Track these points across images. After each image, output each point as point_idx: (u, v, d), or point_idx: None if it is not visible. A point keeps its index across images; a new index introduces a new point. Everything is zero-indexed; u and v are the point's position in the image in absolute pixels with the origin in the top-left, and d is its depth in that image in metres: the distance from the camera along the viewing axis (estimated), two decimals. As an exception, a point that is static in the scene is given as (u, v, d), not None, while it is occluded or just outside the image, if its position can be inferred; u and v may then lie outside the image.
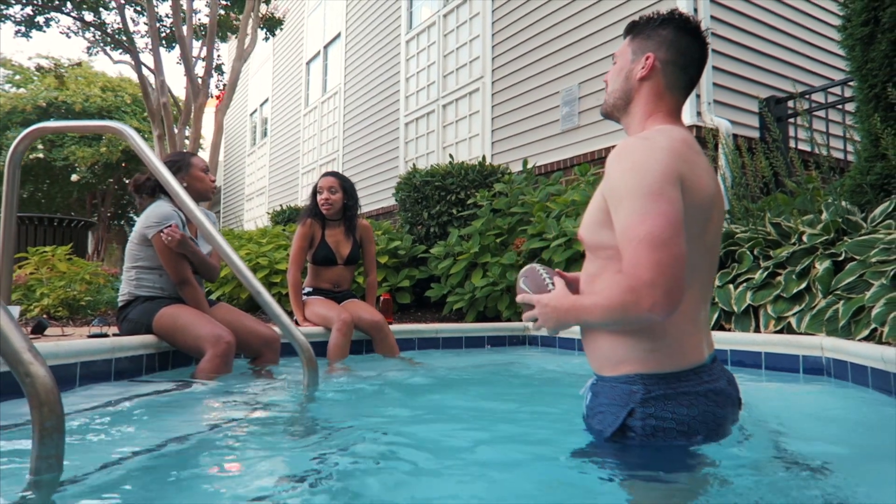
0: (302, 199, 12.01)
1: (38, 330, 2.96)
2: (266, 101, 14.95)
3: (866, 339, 2.45)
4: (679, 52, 1.41)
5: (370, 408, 2.19)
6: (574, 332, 1.57)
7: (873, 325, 2.40)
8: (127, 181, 18.47)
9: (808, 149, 4.96)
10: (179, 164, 2.97)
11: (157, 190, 2.95)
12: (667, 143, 1.29)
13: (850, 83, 4.52)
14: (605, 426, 1.35)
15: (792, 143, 4.92)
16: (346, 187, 3.68)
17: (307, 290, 3.70)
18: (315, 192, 3.69)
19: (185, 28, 8.60)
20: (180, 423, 1.91)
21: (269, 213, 9.24)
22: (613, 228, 1.27)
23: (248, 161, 15.81)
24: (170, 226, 2.72)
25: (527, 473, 1.36)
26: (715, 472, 1.26)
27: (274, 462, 1.51)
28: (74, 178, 16.22)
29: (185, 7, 8.73)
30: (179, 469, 1.42)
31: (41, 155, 16.27)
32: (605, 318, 1.27)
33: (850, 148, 4.89)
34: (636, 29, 1.49)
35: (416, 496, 1.23)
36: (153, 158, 2.41)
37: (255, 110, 15.75)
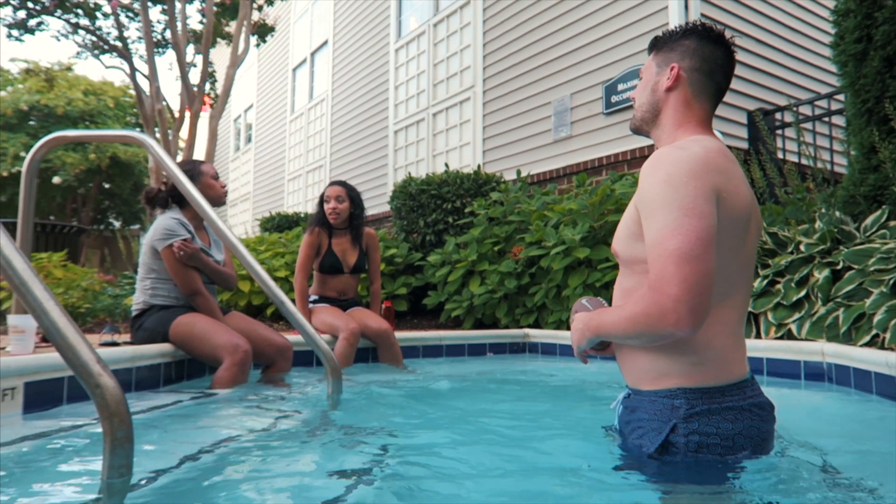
0: (288, 205, 11.97)
1: (48, 339, 2.94)
2: (251, 106, 14.89)
3: (867, 345, 2.55)
4: (703, 59, 1.41)
5: (392, 416, 2.22)
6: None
7: (874, 332, 2.50)
8: (107, 186, 18.26)
9: (794, 160, 5.11)
10: (191, 172, 2.98)
11: (169, 201, 2.96)
12: (703, 153, 1.27)
13: (837, 96, 4.68)
14: (645, 442, 1.33)
15: (779, 155, 5.06)
16: (352, 196, 3.71)
17: (313, 297, 3.72)
18: (322, 201, 3.71)
19: (180, 34, 8.56)
20: (209, 434, 1.91)
21: (258, 220, 9.21)
22: None
23: (232, 167, 15.72)
24: (185, 239, 2.74)
25: (566, 487, 1.32)
26: (755, 485, 1.24)
27: (306, 470, 1.52)
28: (56, 180, 15.99)
29: (178, 13, 8.69)
30: (217, 480, 1.42)
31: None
32: (627, 331, 1.26)
33: (837, 159, 5.04)
34: (659, 43, 1.49)
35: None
36: (174, 168, 2.43)
37: (239, 116, 15.68)
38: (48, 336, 1.20)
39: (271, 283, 2.31)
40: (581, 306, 1.54)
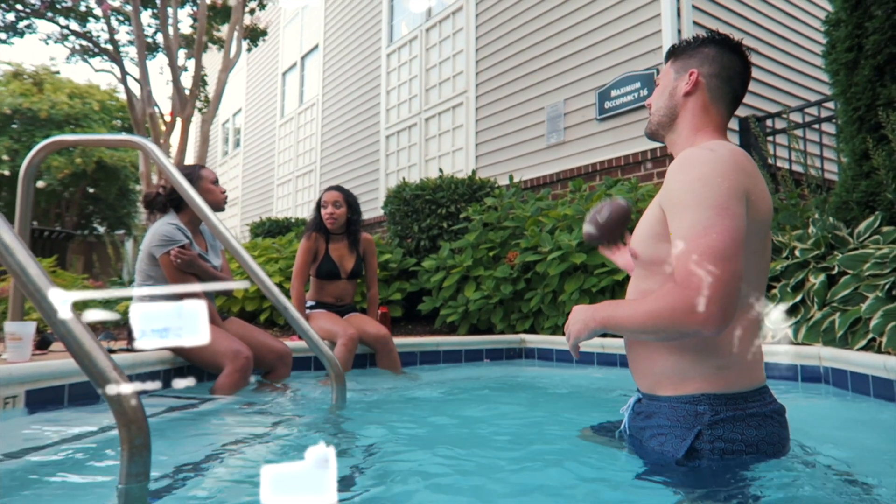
0: (277, 210, 11.92)
1: (44, 345, 2.91)
2: (239, 111, 14.82)
3: (863, 348, 2.58)
4: (722, 65, 1.43)
5: (393, 423, 2.20)
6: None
7: (871, 336, 2.53)
8: (92, 190, 18.07)
9: (785, 166, 5.17)
10: (190, 177, 2.96)
11: (168, 206, 2.94)
12: (731, 155, 1.27)
13: (826, 104, 4.75)
14: (668, 448, 1.31)
15: (770, 161, 5.12)
16: (350, 202, 3.70)
17: (310, 303, 3.70)
18: (319, 206, 3.70)
19: (171, 38, 8.52)
20: (211, 441, 1.90)
21: (248, 225, 9.16)
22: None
23: (220, 171, 15.62)
24: (182, 246, 2.72)
25: (578, 497, 1.29)
26: (776, 491, 1.23)
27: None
28: (41, 184, 15.79)
29: (170, 16, 8.65)
30: (221, 485, 1.42)
31: (6, 171, 15.76)
32: (645, 326, 1.23)
33: (827, 166, 5.12)
34: (678, 51, 1.50)
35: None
36: (174, 172, 2.41)
37: (228, 120, 15.60)
38: (64, 343, 1.19)
39: (274, 289, 2.30)
40: (601, 207, 1.64)
